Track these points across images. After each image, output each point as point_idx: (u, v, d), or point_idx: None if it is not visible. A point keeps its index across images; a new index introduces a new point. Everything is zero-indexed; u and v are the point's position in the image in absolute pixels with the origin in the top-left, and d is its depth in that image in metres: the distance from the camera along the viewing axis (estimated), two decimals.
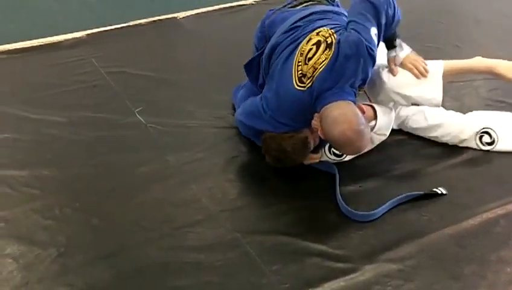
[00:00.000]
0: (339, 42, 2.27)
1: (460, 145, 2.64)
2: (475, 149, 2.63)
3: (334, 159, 2.55)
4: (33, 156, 2.68)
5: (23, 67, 3.47)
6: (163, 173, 2.56)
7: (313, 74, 2.26)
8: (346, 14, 2.52)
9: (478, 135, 2.61)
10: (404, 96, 2.55)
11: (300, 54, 2.33)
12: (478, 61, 2.70)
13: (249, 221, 2.30)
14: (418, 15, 4.15)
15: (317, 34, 2.35)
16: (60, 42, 3.74)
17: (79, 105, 3.05)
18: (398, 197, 2.34)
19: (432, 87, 2.54)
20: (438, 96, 2.55)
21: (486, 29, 3.99)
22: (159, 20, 4.12)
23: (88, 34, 3.83)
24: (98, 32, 3.88)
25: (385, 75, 2.54)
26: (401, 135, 2.73)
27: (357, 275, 2.03)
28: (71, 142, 2.78)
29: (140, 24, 4.03)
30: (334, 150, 2.53)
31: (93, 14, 4.26)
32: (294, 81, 2.30)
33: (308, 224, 2.27)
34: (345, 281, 2.01)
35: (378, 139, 2.61)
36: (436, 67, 2.56)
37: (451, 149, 2.65)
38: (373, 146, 2.60)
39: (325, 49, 2.27)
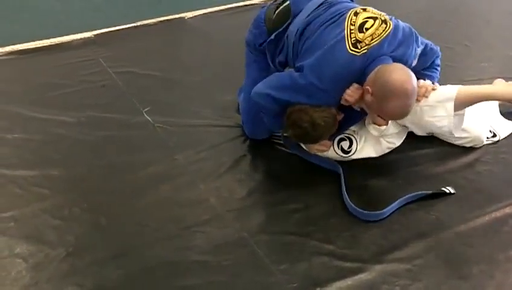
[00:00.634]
0: (395, 24, 2.37)
1: (476, 146, 2.65)
2: (482, 149, 2.64)
3: (340, 155, 2.56)
4: (42, 156, 2.69)
5: (32, 68, 3.48)
6: (171, 173, 2.57)
7: (370, 42, 2.31)
8: None
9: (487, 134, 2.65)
10: (417, 124, 2.57)
11: (351, 23, 2.36)
12: (497, 90, 2.72)
13: (256, 220, 2.30)
14: (427, 14, 4.17)
15: (364, 10, 2.41)
16: (67, 42, 3.76)
17: (87, 105, 3.06)
18: (406, 197, 2.34)
19: (442, 114, 2.52)
20: (448, 124, 2.52)
21: (495, 29, 3.99)
22: (167, 20, 4.14)
23: (96, 35, 3.85)
24: (106, 32, 3.89)
25: None
26: (408, 135, 2.72)
27: (365, 274, 2.04)
28: (79, 142, 2.78)
29: (148, 24, 4.05)
30: (343, 145, 2.54)
31: (100, 15, 4.28)
32: (347, 46, 2.31)
33: (316, 223, 2.27)
34: (353, 280, 2.02)
35: (388, 147, 2.60)
36: (449, 94, 2.51)
37: (458, 149, 2.65)
38: (382, 153, 2.60)
39: (381, 24, 2.34)
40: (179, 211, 2.36)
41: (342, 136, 2.56)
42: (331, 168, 2.54)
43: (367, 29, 2.33)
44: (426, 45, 2.52)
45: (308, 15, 2.51)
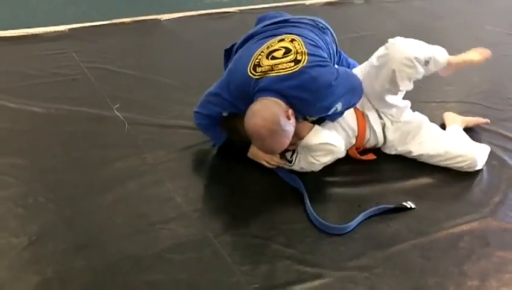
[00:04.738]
0: (306, 68, 2.31)
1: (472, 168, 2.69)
2: (444, 169, 2.70)
3: (287, 165, 2.59)
4: (9, 145, 2.68)
5: (4, 57, 3.46)
6: (138, 170, 2.58)
7: (267, 71, 2.32)
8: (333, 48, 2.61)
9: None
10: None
11: (267, 47, 2.38)
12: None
13: (221, 221, 2.33)
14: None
15: (292, 41, 2.40)
16: (41, 34, 3.76)
17: (58, 97, 3.05)
18: (369, 210, 2.40)
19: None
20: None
21: None
22: (142, 20, 4.16)
23: (70, 29, 3.84)
24: (80, 27, 3.90)
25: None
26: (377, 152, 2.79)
27: (324, 280, 2.07)
28: (48, 134, 2.78)
29: (123, 23, 4.06)
30: (286, 155, 2.58)
31: (76, 9, 4.27)
32: (249, 66, 2.36)
33: (280, 228, 2.31)
34: (312, 284, 2.05)
35: (312, 162, 2.56)
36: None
37: (421, 167, 2.72)
38: (307, 170, 2.60)
39: (291, 62, 2.32)
40: (144, 207, 2.37)
41: None
42: (294, 184, 2.54)
43: (274, 58, 2.34)
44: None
45: (260, 27, 2.57)
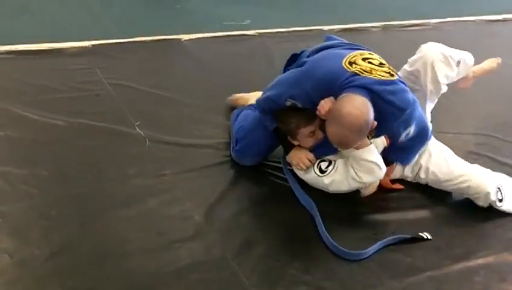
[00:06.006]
0: (398, 81, 2.45)
1: (479, 200, 2.67)
2: (461, 202, 2.74)
3: (317, 174, 2.62)
4: (32, 156, 2.72)
5: (29, 70, 3.50)
6: (157, 187, 2.61)
7: (364, 71, 2.37)
8: None
9: (496, 190, 2.65)
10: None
11: (360, 54, 2.47)
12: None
13: (239, 243, 2.35)
14: None
15: (380, 61, 2.49)
16: (65, 49, 3.80)
17: (81, 112, 3.09)
18: (386, 239, 2.42)
19: None
20: None
21: (478, 87, 4.13)
22: (163, 39, 4.22)
23: (93, 45, 3.90)
24: (104, 44, 3.95)
25: None
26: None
27: None
28: (71, 147, 2.82)
29: (145, 41, 4.12)
30: (321, 165, 2.62)
31: (99, 26, 4.34)
32: (344, 60, 2.42)
33: (297, 253, 2.34)
34: None
35: (352, 177, 2.55)
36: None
37: (437, 198, 2.76)
38: (349, 186, 2.60)
39: (387, 72, 2.42)
40: (164, 225, 2.41)
41: (323, 158, 2.65)
42: (308, 208, 2.57)
43: (370, 63, 2.42)
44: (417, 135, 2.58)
45: (335, 43, 2.72)
